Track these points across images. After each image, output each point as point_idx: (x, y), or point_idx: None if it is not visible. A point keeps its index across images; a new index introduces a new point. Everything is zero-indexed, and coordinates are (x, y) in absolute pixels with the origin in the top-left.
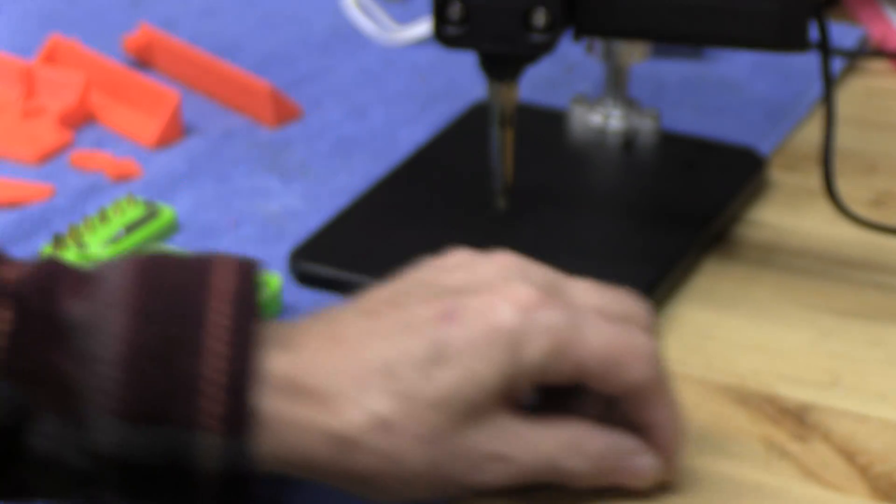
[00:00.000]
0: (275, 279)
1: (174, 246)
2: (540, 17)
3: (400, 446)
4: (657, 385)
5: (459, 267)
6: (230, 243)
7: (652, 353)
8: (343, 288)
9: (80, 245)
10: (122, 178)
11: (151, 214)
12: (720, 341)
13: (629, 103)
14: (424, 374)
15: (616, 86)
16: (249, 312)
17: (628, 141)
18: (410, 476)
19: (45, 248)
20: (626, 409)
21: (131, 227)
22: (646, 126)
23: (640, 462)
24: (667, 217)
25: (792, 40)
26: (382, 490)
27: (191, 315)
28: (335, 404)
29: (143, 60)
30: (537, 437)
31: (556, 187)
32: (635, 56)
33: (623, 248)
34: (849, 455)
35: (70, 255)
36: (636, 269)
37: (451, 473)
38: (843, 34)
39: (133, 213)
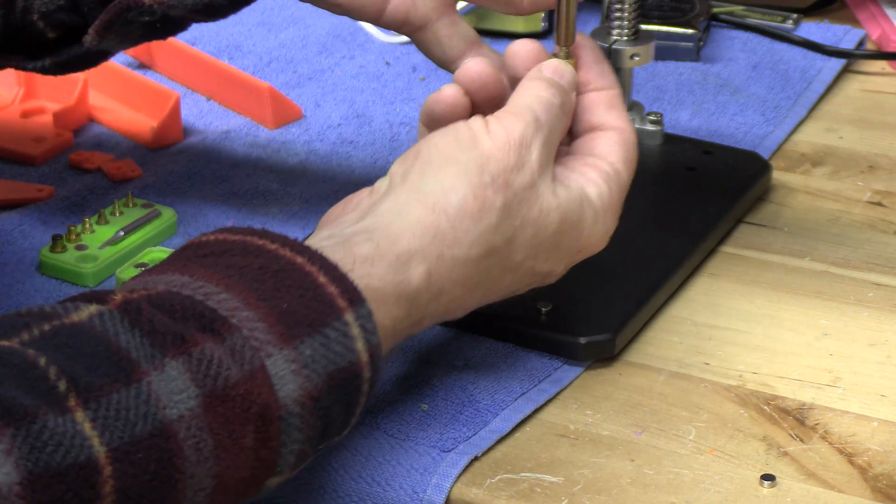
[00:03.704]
0: None
1: (173, 248)
2: None
3: None
4: None
5: None
6: None
7: None
8: None
9: (80, 246)
10: (122, 179)
11: (151, 215)
12: (720, 341)
13: (632, 106)
14: None
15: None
16: None
17: None
18: None
19: (44, 249)
20: None
21: (130, 228)
22: (649, 129)
23: None
24: (669, 221)
25: None
26: None
27: None
28: None
29: (143, 61)
30: None
31: None
32: (638, 59)
33: (625, 252)
34: (849, 455)
35: (69, 256)
36: (637, 273)
37: None
38: (842, 35)
39: (132, 213)
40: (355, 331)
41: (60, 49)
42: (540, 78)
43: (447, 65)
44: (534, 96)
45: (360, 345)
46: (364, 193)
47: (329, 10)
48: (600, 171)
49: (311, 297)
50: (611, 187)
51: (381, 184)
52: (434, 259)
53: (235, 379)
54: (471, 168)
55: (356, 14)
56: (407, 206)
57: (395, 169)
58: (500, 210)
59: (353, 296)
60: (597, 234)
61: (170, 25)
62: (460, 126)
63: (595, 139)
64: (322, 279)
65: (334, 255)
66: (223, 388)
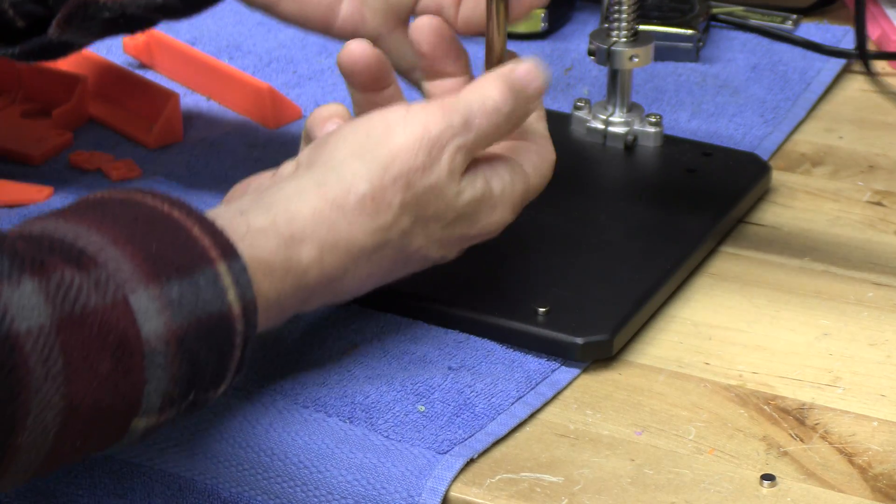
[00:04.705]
0: None
1: None
2: None
3: None
4: None
5: None
6: None
7: None
8: None
9: None
10: (122, 179)
11: None
12: (720, 341)
13: (632, 107)
14: None
15: (618, 90)
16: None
17: (629, 145)
18: None
19: None
20: None
21: None
22: (648, 130)
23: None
24: (669, 223)
25: None
26: None
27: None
28: None
29: (143, 61)
30: None
31: (557, 191)
32: (637, 60)
33: (624, 253)
34: (849, 455)
35: None
36: (636, 274)
37: None
38: (842, 35)
39: None
40: (227, 281)
41: (29, 38)
42: (503, 78)
43: (402, 75)
44: (481, 97)
45: (231, 295)
46: (267, 175)
47: (280, 20)
48: (509, 165)
49: (182, 245)
50: (514, 181)
51: (287, 168)
52: (328, 247)
53: (94, 306)
54: (374, 167)
55: (306, 26)
56: (307, 194)
57: (303, 155)
58: (397, 209)
59: (227, 250)
60: (492, 224)
61: (133, 22)
62: (375, 119)
63: (514, 142)
64: (196, 232)
65: (229, 222)
66: (80, 313)
